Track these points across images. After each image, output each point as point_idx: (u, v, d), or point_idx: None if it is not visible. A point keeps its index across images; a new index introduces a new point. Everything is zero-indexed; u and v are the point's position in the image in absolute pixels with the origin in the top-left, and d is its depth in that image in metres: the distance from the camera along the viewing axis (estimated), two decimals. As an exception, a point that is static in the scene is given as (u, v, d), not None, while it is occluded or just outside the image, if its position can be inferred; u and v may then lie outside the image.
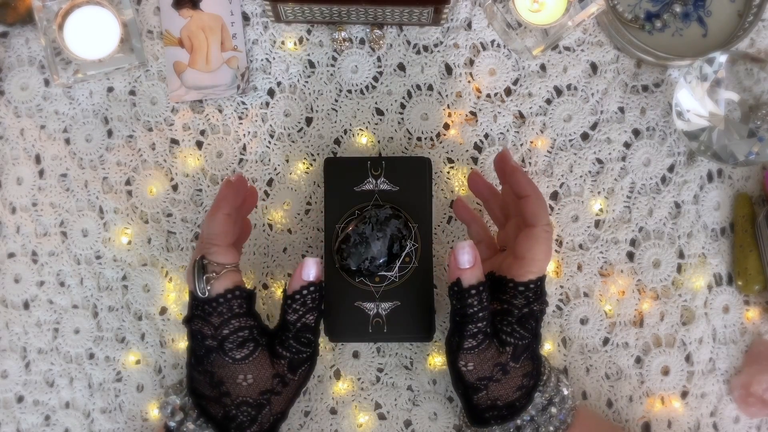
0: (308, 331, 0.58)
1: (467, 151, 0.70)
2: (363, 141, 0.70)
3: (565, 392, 0.57)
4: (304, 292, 0.57)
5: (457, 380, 0.58)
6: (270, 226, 0.69)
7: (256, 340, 0.56)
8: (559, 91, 0.70)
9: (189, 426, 0.56)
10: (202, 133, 0.70)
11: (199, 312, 0.55)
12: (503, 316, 0.56)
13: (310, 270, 0.58)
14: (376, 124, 0.70)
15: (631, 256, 0.69)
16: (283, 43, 0.70)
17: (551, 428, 0.56)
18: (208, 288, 0.54)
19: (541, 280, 0.57)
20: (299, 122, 0.70)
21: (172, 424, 0.56)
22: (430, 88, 0.70)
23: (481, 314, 0.55)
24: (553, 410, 0.56)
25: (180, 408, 0.56)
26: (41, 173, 0.70)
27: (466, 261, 0.55)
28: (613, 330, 0.69)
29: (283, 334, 0.57)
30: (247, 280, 0.69)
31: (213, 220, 0.56)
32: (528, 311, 0.56)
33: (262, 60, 0.70)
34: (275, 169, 0.70)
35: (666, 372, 0.69)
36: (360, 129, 0.70)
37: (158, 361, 0.69)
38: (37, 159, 0.70)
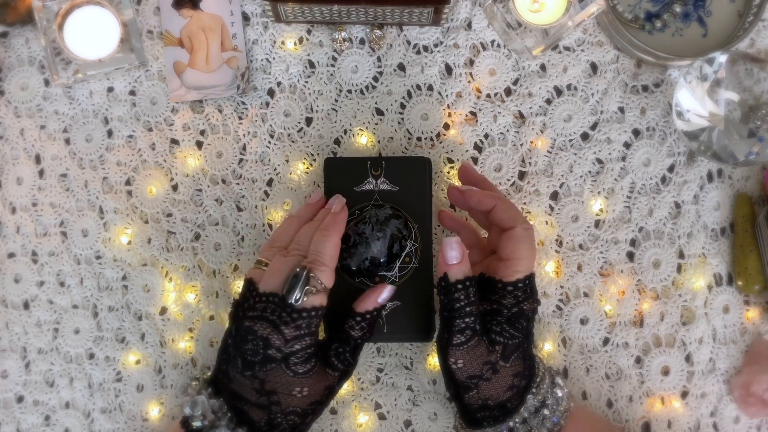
0: (361, 347, 0.59)
1: (467, 151, 0.70)
2: (363, 141, 0.70)
3: (560, 394, 0.57)
4: (375, 313, 0.58)
5: (448, 379, 0.58)
6: (270, 226, 0.69)
7: (316, 354, 0.56)
8: (559, 91, 0.70)
9: None
10: (202, 133, 0.70)
11: (273, 317, 0.54)
12: (493, 316, 0.56)
13: (386, 295, 0.59)
14: (376, 124, 0.70)
15: (631, 256, 0.69)
16: (283, 43, 0.70)
17: (544, 430, 0.56)
18: (304, 299, 0.54)
19: (530, 278, 0.57)
20: (299, 122, 0.70)
21: (198, 424, 0.55)
22: (430, 88, 0.70)
23: (468, 309, 0.55)
24: (546, 412, 0.56)
25: (211, 410, 0.55)
26: (41, 173, 0.70)
27: (453, 257, 0.56)
28: (613, 330, 0.69)
29: (340, 346, 0.58)
30: (247, 280, 0.69)
31: (329, 242, 0.56)
32: (518, 311, 0.56)
33: (262, 60, 0.70)
34: (275, 169, 0.70)
35: (666, 372, 0.69)
36: (360, 129, 0.70)
37: (158, 361, 0.69)
38: (37, 159, 0.70)
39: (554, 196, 0.70)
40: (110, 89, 0.70)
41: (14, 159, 0.70)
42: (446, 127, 0.70)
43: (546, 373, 0.58)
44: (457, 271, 0.56)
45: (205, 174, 0.70)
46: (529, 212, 0.69)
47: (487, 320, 0.56)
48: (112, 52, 0.66)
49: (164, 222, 0.69)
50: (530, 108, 0.70)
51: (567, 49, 0.70)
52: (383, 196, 0.64)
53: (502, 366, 0.56)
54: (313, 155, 0.70)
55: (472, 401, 0.57)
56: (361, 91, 0.70)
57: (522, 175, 0.70)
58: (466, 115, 0.70)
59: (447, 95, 0.70)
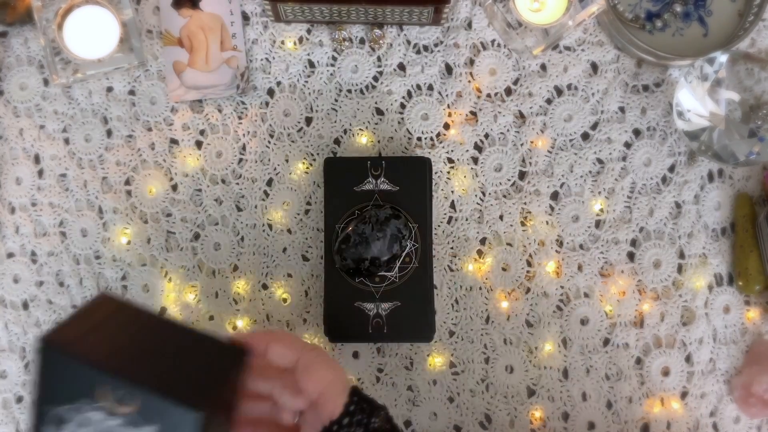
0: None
1: (467, 151, 0.70)
2: (363, 141, 0.70)
3: None
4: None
5: None
6: (270, 226, 0.69)
7: None
8: (559, 91, 0.70)
9: None
10: (202, 132, 0.70)
11: None
12: None
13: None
14: (376, 124, 0.70)
15: (631, 256, 0.69)
16: (282, 42, 0.70)
17: None
18: None
19: (354, 393, 0.49)
20: (299, 122, 0.70)
21: None
22: (430, 87, 0.70)
23: None
24: None
25: None
26: (40, 173, 0.70)
27: None
28: (614, 330, 0.69)
29: None
30: (247, 280, 0.69)
31: None
32: None
33: (261, 60, 0.70)
34: (275, 169, 0.69)
35: (666, 373, 0.69)
36: (360, 129, 0.70)
37: (158, 361, 0.69)
38: (36, 159, 0.70)
39: (554, 196, 0.70)
40: (109, 89, 0.70)
41: (13, 159, 0.70)
42: (446, 126, 0.70)
43: None
44: None
45: (204, 174, 0.70)
46: (530, 212, 0.69)
47: None
48: (112, 51, 0.66)
49: (164, 222, 0.69)
50: (531, 108, 0.70)
51: (567, 48, 0.70)
52: (383, 196, 0.64)
53: None
54: (313, 155, 0.70)
55: None
56: (361, 91, 0.70)
57: (522, 175, 0.69)
58: (467, 115, 0.70)
59: (447, 95, 0.70)
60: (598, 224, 0.69)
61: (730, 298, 0.69)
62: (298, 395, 0.48)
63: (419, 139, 0.70)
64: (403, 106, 0.70)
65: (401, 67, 0.70)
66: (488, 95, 0.70)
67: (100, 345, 0.41)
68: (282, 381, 0.48)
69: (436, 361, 0.68)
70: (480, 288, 0.69)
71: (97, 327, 0.42)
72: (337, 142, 0.70)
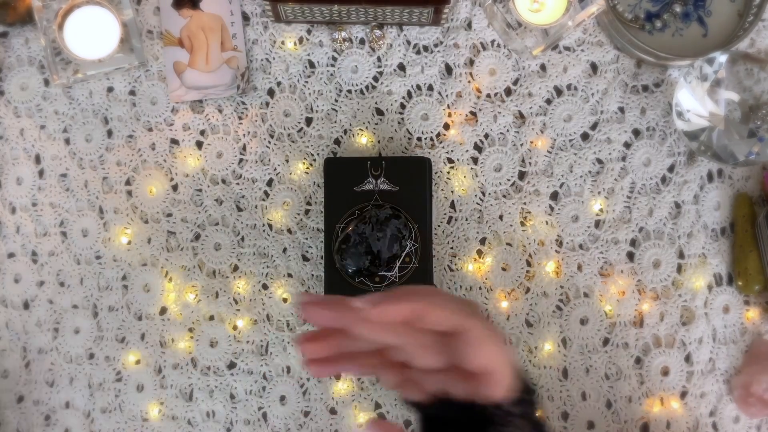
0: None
1: (467, 151, 0.70)
2: (363, 141, 0.70)
3: None
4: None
5: None
6: (270, 226, 0.69)
7: None
8: (559, 91, 0.70)
9: None
10: (202, 133, 0.70)
11: None
12: None
13: None
14: (376, 124, 0.70)
15: (631, 256, 0.69)
16: (283, 43, 0.70)
17: None
18: None
19: (523, 378, 0.44)
20: (299, 122, 0.70)
21: None
22: (430, 88, 0.70)
23: None
24: None
25: None
26: (41, 173, 0.70)
27: None
28: (613, 330, 0.69)
29: None
30: (247, 280, 0.69)
31: None
32: None
33: (262, 60, 0.70)
34: (275, 169, 0.70)
35: (666, 372, 0.69)
36: (360, 129, 0.70)
37: (158, 361, 0.69)
38: (37, 159, 0.70)
39: (554, 196, 0.70)
40: (110, 89, 0.70)
41: (14, 159, 0.70)
42: (446, 127, 0.70)
43: None
44: None
45: (205, 174, 0.70)
46: (529, 212, 0.69)
47: None
48: (112, 52, 0.66)
49: (164, 222, 0.69)
50: (530, 108, 0.70)
51: (567, 49, 0.70)
52: (383, 196, 0.65)
53: None
54: (313, 155, 0.70)
55: None
56: (361, 91, 0.70)
57: (522, 175, 0.70)
58: (466, 115, 0.70)
59: (447, 95, 0.70)
60: (597, 224, 0.69)
61: (729, 298, 0.69)
62: (438, 356, 0.43)
63: (419, 139, 0.70)
64: (403, 106, 0.70)
65: (401, 67, 0.70)
66: (488, 95, 0.70)
67: None
68: (420, 340, 0.42)
69: (436, 360, 0.68)
70: (480, 288, 0.69)
71: None
72: (337, 142, 0.70)
